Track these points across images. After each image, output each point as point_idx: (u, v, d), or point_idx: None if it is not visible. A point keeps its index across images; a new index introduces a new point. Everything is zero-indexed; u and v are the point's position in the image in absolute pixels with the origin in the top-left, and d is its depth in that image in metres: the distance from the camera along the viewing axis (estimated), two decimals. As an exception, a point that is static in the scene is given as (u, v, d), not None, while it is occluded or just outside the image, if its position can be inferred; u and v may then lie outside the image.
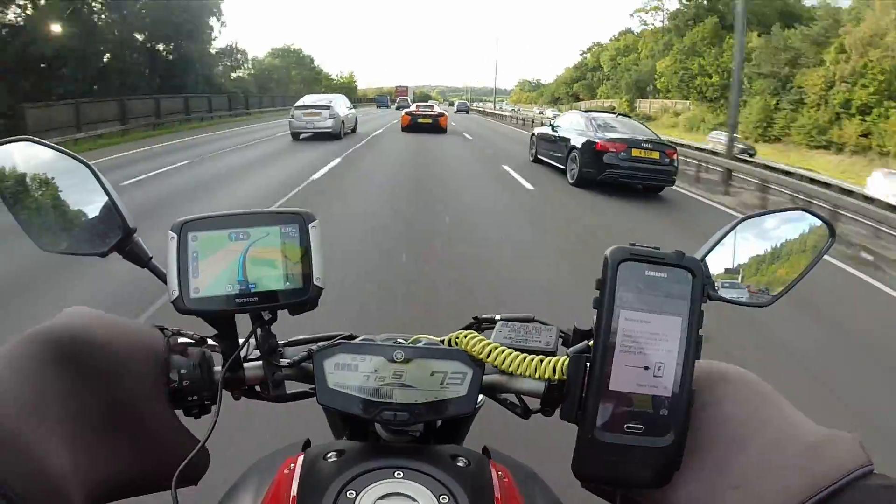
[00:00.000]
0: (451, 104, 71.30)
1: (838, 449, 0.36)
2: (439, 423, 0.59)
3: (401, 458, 0.46)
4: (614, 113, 11.65)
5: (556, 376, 0.46)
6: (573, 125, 9.25)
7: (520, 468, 0.55)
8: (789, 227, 0.53)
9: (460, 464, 0.47)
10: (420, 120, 18.48)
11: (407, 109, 20.64)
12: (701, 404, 0.43)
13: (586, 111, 10.37)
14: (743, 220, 0.52)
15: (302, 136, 14.35)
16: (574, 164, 8.58)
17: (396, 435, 0.54)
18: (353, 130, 16.80)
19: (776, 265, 0.53)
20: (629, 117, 10.55)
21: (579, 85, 61.82)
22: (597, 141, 8.12)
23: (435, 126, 18.30)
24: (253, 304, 0.45)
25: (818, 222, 0.53)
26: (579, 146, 8.47)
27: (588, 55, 63.04)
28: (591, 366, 0.42)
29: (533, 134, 11.62)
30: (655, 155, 8.01)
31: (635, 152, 7.90)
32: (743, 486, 0.38)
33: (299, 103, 14.84)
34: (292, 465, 0.48)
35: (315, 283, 0.46)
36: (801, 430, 0.39)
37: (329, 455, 0.47)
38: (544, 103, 65.44)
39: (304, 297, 0.45)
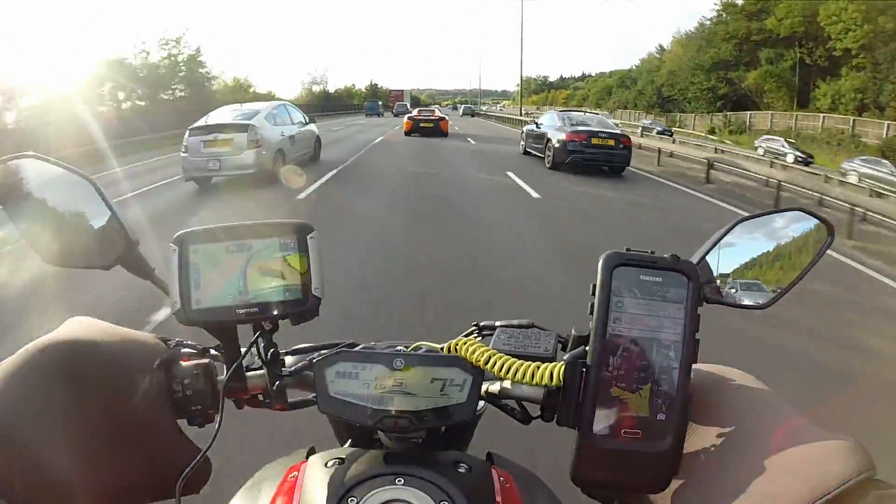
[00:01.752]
0: (456, 108, 70.74)
1: (839, 455, 0.35)
2: (443, 429, 0.60)
3: (402, 465, 0.46)
4: (583, 111, 14.04)
5: (553, 382, 0.45)
6: (551, 122, 11.71)
7: (524, 474, 0.56)
8: (787, 226, 0.53)
9: (461, 469, 0.48)
10: (422, 124, 19.18)
11: (409, 115, 21.01)
12: (700, 409, 0.44)
13: (561, 110, 12.89)
14: (740, 221, 0.52)
15: (214, 180, 8.17)
16: (549, 152, 11.01)
17: (399, 442, 0.54)
18: (314, 159, 10.55)
19: (774, 265, 0.53)
20: (597, 114, 12.90)
21: (763, 74, 30.22)
22: (564, 133, 10.58)
23: (436, 130, 18.98)
24: (253, 314, 0.47)
25: (816, 221, 0.53)
26: (553, 139, 10.91)
27: (766, 16, 30.37)
28: (587, 371, 0.42)
29: (522, 132, 14.09)
30: (611, 142, 10.42)
31: (594, 141, 10.32)
32: (741, 493, 0.37)
33: (198, 123, 8.26)
34: (295, 473, 0.49)
35: (314, 293, 0.48)
36: (801, 435, 0.38)
37: (331, 463, 0.48)
38: (643, 109, 39.84)
39: (303, 308, 0.48)
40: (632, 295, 0.43)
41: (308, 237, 0.49)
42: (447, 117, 21.23)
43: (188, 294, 0.47)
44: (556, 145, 10.70)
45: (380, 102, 51.93)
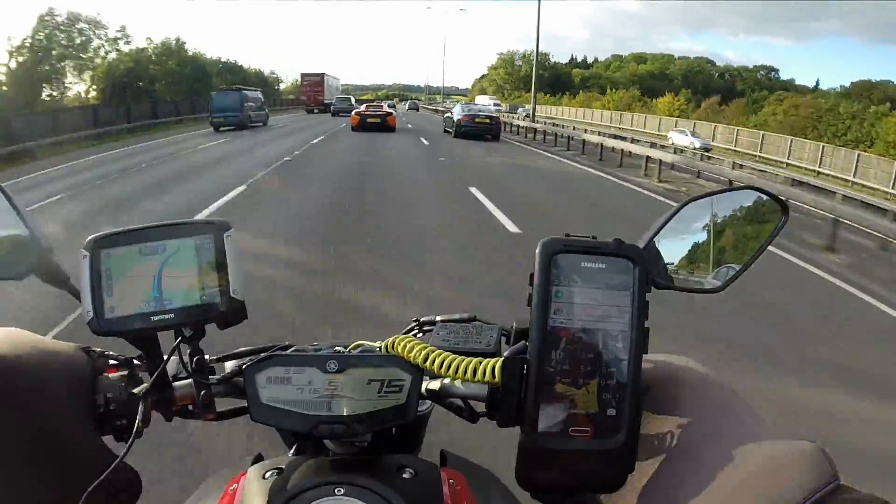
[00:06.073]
0: (406, 100, 78.54)
1: (802, 463, 0.34)
2: (393, 431, 0.58)
3: (343, 473, 0.45)
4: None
5: (494, 379, 0.42)
6: (458, 110, 19.45)
7: (477, 472, 0.55)
8: (739, 206, 0.51)
9: (406, 475, 0.46)
10: (369, 119, 19.24)
11: (356, 110, 20.41)
12: (656, 403, 0.41)
13: (465, 103, 21.07)
14: (688, 202, 0.49)
15: None
16: (452, 128, 18.79)
17: (344, 447, 0.51)
18: None
19: (727, 246, 0.51)
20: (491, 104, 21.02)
21: None
22: (461, 116, 18.24)
23: (384, 125, 19.26)
24: (170, 321, 0.44)
25: (769, 200, 0.51)
26: (454, 119, 18.66)
27: None
28: (528, 367, 0.40)
29: (443, 118, 21.97)
30: (487, 121, 18.23)
31: (477, 120, 18.10)
32: (702, 498, 0.36)
33: None
34: (235, 485, 0.47)
35: (233, 295, 0.45)
36: (761, 439, 0.37)
37: (269, 473, 0.46)
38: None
39: (222, 311, 0.45)
40: (574, 283, 0.40)
41: (225, 236, 0.45)
42: (395, 112, 21.72)
43: (101, 302, 0.43)
44: (456, 123, 18.53)
45: (253, 94, 22.96)
